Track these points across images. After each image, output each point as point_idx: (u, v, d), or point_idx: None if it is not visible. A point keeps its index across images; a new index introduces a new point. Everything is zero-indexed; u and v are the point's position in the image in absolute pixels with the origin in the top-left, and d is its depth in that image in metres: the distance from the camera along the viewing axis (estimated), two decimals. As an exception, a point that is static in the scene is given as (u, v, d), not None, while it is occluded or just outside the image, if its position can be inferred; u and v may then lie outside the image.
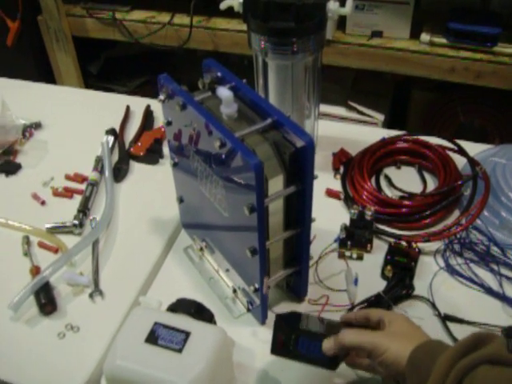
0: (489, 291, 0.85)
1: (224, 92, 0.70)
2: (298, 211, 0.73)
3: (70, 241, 0.95)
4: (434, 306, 0.83)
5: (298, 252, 0.78)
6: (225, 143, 0.66)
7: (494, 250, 0.90)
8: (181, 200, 0.91)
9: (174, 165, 0.86)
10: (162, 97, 0.77)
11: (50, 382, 0.78)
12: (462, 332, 0.79)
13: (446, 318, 0.81)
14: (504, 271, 0.88)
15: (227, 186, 0.71)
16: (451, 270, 0.88)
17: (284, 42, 0.90)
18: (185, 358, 0.68)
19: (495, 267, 0.88)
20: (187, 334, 0.70)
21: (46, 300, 0.85)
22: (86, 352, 0.80)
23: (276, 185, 0.69)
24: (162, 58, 2.22)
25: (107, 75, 2.28)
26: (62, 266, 0.90)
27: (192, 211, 0.90)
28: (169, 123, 0.81)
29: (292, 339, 0.69)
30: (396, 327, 0.66)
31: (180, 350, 0.68)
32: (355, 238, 0.90)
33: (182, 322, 0.72)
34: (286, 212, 0.74)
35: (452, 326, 0.81)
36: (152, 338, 0.70)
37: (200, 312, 0.76)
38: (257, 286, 0.76)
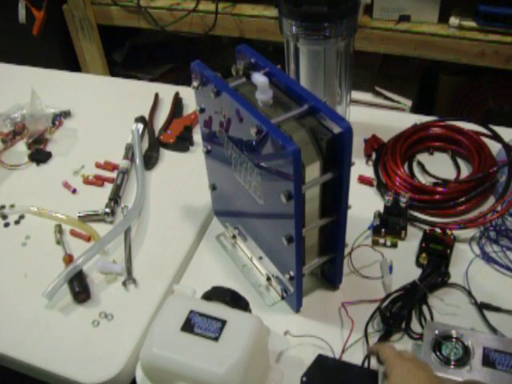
0: (526, 279, 0.84)
1: (259, 78, 0.69)
2: (335, 198, 0.72)
3: (102, 229, 0.96)
4: (470, 294, 0.82)
5: (333, 240, 0.77)
6: (261, 130, 0.65)
7: (531, 237, 0.89)
8: (213, 187, 0.90)
9: (207, 152, 0.85)
10: (195, 83, 0.76)
11: (85, 370, 0.78)
12: (498, 320, 0.79)
13: (482, 306, 0.80)
14: (542, 258, 0.86)
15: (263, 174, 0.70)
16: (487, 258, 0.87)
17: (316, 26, 0.89)
18: (221, 346, 0.68)
19: (532, 254, 0.87)
20: (223, 323, 0.69)
21: (80, 288, 0.86)
22: (120, 340, 0.81)
23: (313, 172, 0.68)
24: (186, 45, 2.22)
25: (132, 63, 2.29)
26: (95, 255, 0.90)
27: (225, 199, 0.89)
28: (202, 110, 0.80)
29: None
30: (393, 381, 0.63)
31: (216, 339, 0.68)
32: (389, 226, 0.89)
33: (217, 310, 0.72)
34: (322, 199, 0.73)
35: (488, 314, 0.80)
36: (188, 327, 0.70)
37: (235, 300, 0.76)
38: (292, 273, 0.75)
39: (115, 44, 2.26)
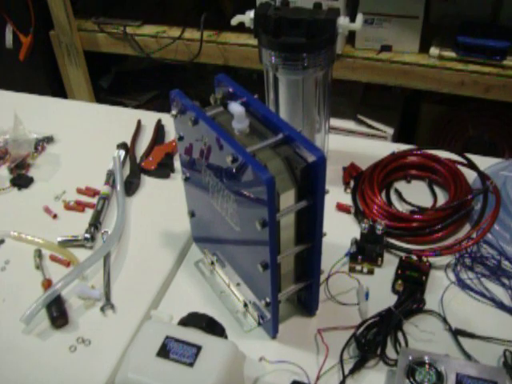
0: (500, 306, 0.85)
1: (236, 107, 0.71)
2: (309, 226, 0.73)
3: (81, 254, 0.96)
4: (445, 320, 0.83)
5: (309, 266, 0.78)
6: (237, 158, 0.67)
7: (505, 264, 0.90)
8: (192, 214, 0.91)
9: (186, 179, 0.86)
10: (174, 112, 0.78)
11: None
12: (473, 346, 0.79)
13: (457, 333, 0.81)
14: (515, 285, 0.88)
15: (239, 201, 0.71)
16: (462, 285, 0.88)
17: (295, 57, 0.91)
18: (196, 372, 0.68)
19: (506, 281, 0.88)
20: (199, 348, 0.70)
21: (58, 313, 0.86)
22: (97, 365, 0.81)
23: (287, 199, 0.69)
24: (172, 72, 2.24)
25: (118, 89, 2.31)
26: (74, 280, 0.90)
27: (203, 225, 0.90)
28: (181, 138, 0.81)
29: None
30: None
31: (191, 364, 0.68)
32: (366, 253, 0.90)
33: (193, 335, 0.72)
34: (297, 226, 0.74)
35: (463, 340, 0.80)
36: (163, 352, 0.70)
37: (211, 326, 0.76)
38: (268, 300, 0.76)
39: (101, 70, 2.28)
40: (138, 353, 0.71)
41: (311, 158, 0.67)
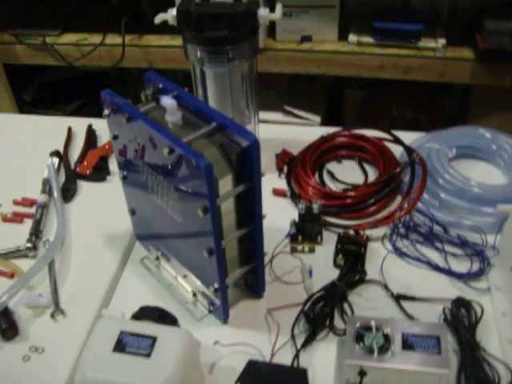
0: (436, 268, 0.90)
1: (168, 101, 0.73)
2: (249, 209, 0.76)
3: (25, 264, 0.95)
4: (386, 287, 0.87)
5: (252, 249, 0.80)
6: (173, 149, 0.68)
7: (437, 229, 0.95)
8: (133, 212, 0.92)
9: (124, 178, 0.87)
10: (106, 111, 0.79)
11: (20, 406, 0.78)
12: (415, 308, 0.84)
13: (398, 297, 0.86)
14: (448, 248, 0.93)
15: (179, 192, 0.73)
16: (399, 253, 0.93)
17: (219, 50, 0.94)
18: (154, 362, 0.69)
19: (439, 245, 0.93)
20: (154, 339, 0.71)
21: (7, 324, 0.85)
22: (52, 371, 0.80)
23: (226, 185, 0.72)
24: (96, 80, 2.22)
25: (42, 101, 2.27)
26: (20, 290, 0.89)
27: (145, 222, 0.91)
28: (115, 137, 0.82)
29: None
30: None
31: (148, 355, 0.70)
32: (305, 232, 0.93)
33: (147, 328, 0.74)
34: (237, 211, 0.77)
35: (405, 304, 0.85)
36: (120, 347, 0.71)
37: (163, 317, 0.78)
38: (216, 286, 0.78)
39: (23, 83, 2.24)
40: (94, 351, 0.72)
41: (245, 143, 0.70)
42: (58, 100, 2.29)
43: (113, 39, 1.88)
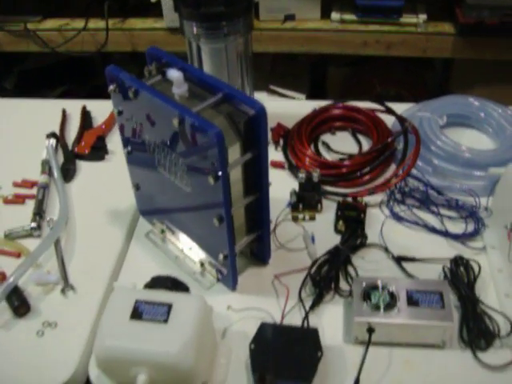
0: (433, 230, 0.94)
1: (174, 73, 0.75)
2: (256, 177, 0.78)
3: (30, 244, 0.97)
4: (386, 249, 0.91)
5: (258, 217, 0.83)
6: (183, 119, 0.70)
7: (432, 193, 0.99)
8: (137, 187, 0.94)
9: (128, 153, 0.89)
10: (111, 87, 0.80)
11: (37, 379, 0.79)
12: (415, 269, 0.88)
13: (399, 259, 0.89)
14: (443, 211, 0.96)
15: (188, 162, 0.75)
16: (397, 217, 0.96)
17: (215, 26, 0.95)
18: (171, 327, 0.72)
19: (435, 209, 0.97)
20: (169, 306, 0.73)
21: (19, 302, 0.86)
22: (68, 344, 0.82)
23: (234, 153, 0.74)
24: (78, 66, 2.21)
25: (23, 89, 2.25)
26: (28, 269, 0.91)
27: (150, 196, 0.93)
28: (120, 113, 0.84)
29: (269, 378, 0.73)
30: None
31: (165, 321, 0.72)
32: (306, 201, 0.96)
33: (161, 296, 0.76)
34: (244, 180, 0.79)
35: (406, 265, 0.88)
36: (136, 315, 0.73)
37: (176, 285, 0.81)
38: (226, 252, 0.81)
39: (4, 71, 2.22)
40: (111, 320, 0.74)
41: (252, 112, 0.72)
42: (41, 87, 2.27)
43: (96, 23, 1.87)
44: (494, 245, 0.90)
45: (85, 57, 1.96)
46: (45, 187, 1.05)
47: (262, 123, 0.72)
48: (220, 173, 0.70)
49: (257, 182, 0.79)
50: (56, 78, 2.27)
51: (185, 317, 0.73)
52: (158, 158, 0.81)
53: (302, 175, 0.95)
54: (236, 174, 0.77)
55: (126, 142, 0.88)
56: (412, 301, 0.77)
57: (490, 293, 0.85)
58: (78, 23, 1.88)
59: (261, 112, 0.71)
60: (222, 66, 1.02)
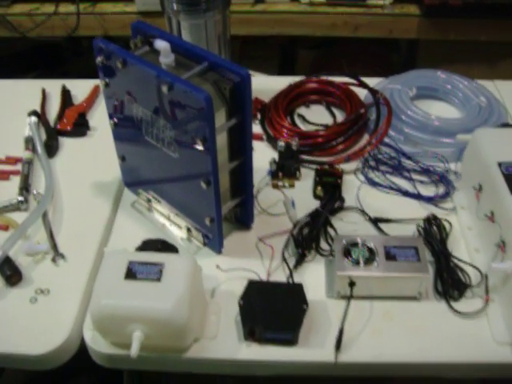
0: (406, 194, 0.99)
1: (161, 43, 0.78)
2: (240, 143, 0.82)
3: (17, 217, 0.99)
4: (363, 212, 0.96)
5: (242, 181, 0.87)
6: (172, 86, 0.74)
7: (404, 161, 1.04)
8: (123, 159, 0.97)
9: (115, 125, 0.92)
10: (99, 58, 0.83)
11: (33, 343, 0.81)
12: (391, 229, 0.93)
13: (376, 220, 0.94)
14: (415, 176, 1.02)
15: (178, 127, 0.79)
16: (371, 182, 1.01)
17: (195, 1, 0.99)
18: (164, 285, 0.75)
19: (407, 174, 1.02)
20: (162, 265, 0.77)
21: (11, 271, 0.88)
22: (61, 309, 0.85)
23: (220, 118, 0.78)
24: (47, 51, 2.21)
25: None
26: (19, 239, 0.93)
27: (135, 167, 0.96)
28: (107, 85, 0.87)
29: (259, 330, 0.78)
30: None
31: (159, 279, 0.75)
32: (285, 169, 1.01)
33: (153, 256, 0.79)
34: (229, 146, 0.83)
35: (382, 226, 0.94)
36: (131, 275, 0.76)
37: (166, 247, 0.84)
38: (213, 216, 0.85)
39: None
40: (106, 281, 0.77)
41: (237, 78, 0.76)
42: (9, 74, 2.26)
43: (66, 8, 1.88)
44: (464, 205, 0.96)
45: (54, 43, 1.96)
46: (29, 163, 1.07)
47: (247, 89, 0.76)
48: (209, 135, 0.74)
49: (241, 147, 0.83)
50: (24, 65, 2.27)
51: (177, 275, 0.76)
52: (145, 126, 0.85)
53: (281, 144, 1.00)
54: (222, 140, 0.81)
55: (111, 114, 0.91)
56: (390, 255, 0.82)
57: (460, 249, 0.90)
58: (48, 7, 1.88)
59: (246, 78, 0.75)
60: (202, 42, 1.05)
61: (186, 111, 0.75)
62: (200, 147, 0.75)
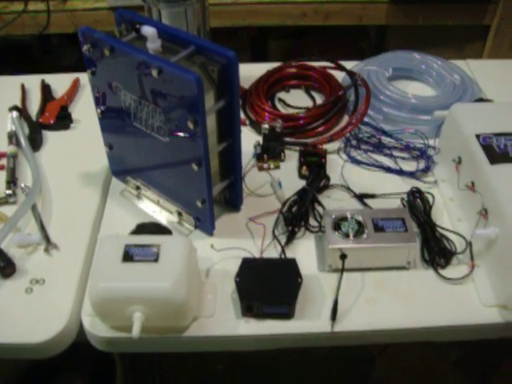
0: (388, 170, 1.02)
1: (148, 29, 0.79)
2: (228, 124, 0.84)
3: (6, 211, 0.99)
4: (349, 189, 0.98)
5: (231, 163, 0.89)
6: (162, 69, 0.75)
7: (384, 139, 1.07)
8: (110, 147, 0.98)
9: (102, 113, 0.93)
10: (85, 47, 0.84)
11: (31, 332, 0.82)
12: (377, 204, 0.96)
13: (361, 196, 0.97)
14: (396, 153, 1.05)
15: (167, 111, 0.80)
16: (354, 161, 1.04)
17: (174, -11, 1.00)
18: (162, 265, 0.76)
19: (388, 151, 1.05)
20: (158, 247, 0.78)
21: (5, 263, 0.89)
22: (58, 297, 0.86)
23: (209, 100, 0.80)
24: (16, 51, 2.19)
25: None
26: (10, 231, 0.93)
27: (123, 155, 0.97)
28: (93, 73, 0.88)
29: (256, 305, 0.80)
30: None
31: (156, 260, 0.77)
32: (270, 151, 1.03)
33: (149, 239, 0.80)
34: (218, 129, 0.85)
35: (368, 201, 0.97)
36: (128, 257, 0.77)
37: (160, 230, 0.86)
38: (204, 197, 0.86)
39: None
40: (103, 265, 0.78)
41: (224, 60, 0.78)
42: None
43: (36, 6, 1.87)
44: (444, 178, 0.99)
45: (23, 43, 1.95)
46: (14, 156, 1.08)
47: (234, 70, 0.78)
48: (199, 117, 0.76)
49: (229, 129, 0.85)
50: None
51: (174, 255, 0.78)
52: (133, 112, 0.86)
53: (265, 126, 1.02)
54: (211, 122, 0.82)
55: (98, 103, 0.92)
56: (378, 227, 0.85)
57: (444, 219, 0.94)
58: (17, 6, 1.87)
59: (233, 59, 0.77)
60: (182, 29, 1.06)
61: (176, 94, 0.77)
62: (191, 129, 0.77)
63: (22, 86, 1.26)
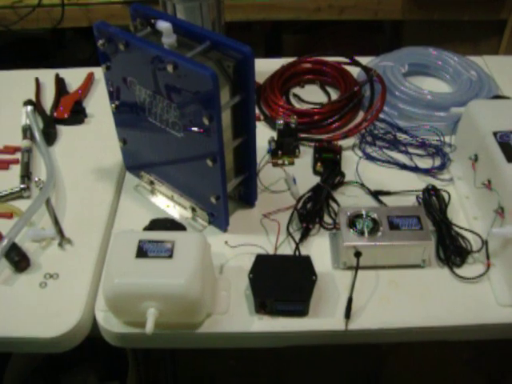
0: (404, 167, 1.01)
1: (163, 24, 0.79)
2: (243, 120, 0.84)
3: (20, 205, 0.99)
4: (363, 185, 0.98)
5: (246, 159, 0.88)
6: (177, 65, 0.75)
7: (400, 135, 1.06)
8: (124, 142, 0.98)
9: (116, 108, 0.92)
10: (100, 41, 0.84)
11: (45, 327, 0.82)
12: (391, 201, 0.95)
13: (376, 193, 0.96)
14: (411, 150, 1.04)
15: (182, 107, 0.80)
16: (369, 157, 1.03)
17: (189, -17, 1.00)
18: (176, 261, 0.76)
19: (403, 148, 1.04)
20: (172, 243, 0.78)
21: (19, 257, 0.89)
22: (71, 292, 0.86)
23: (225, 96, 0.79)
24: (31, 45, 2.20)
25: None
26: (24, 226, 0.93)
27: (137, 150, 0.97)
28: (108, 68, 0.87)
29: (270, 302, 0.79)
30: None
31: (170, 256, 0.76)
32: (284, 147, 1.02)
33: (163, 235, 0.80)
34: (233, 125, 0.84)
35: (383, 198, 0.96)
36: (142, 253, 0.77)
37: (175, 226, 0.85)
38: (218, 193, 0.86)
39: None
40: (117, 260, 0.78)
41: (240, 56, 0.77)
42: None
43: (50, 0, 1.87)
44: (460, 176, 0.99)
45: (38, 37, 1.95)
46: (28, 151, 1.08)
47: (250, 65, 0.77)
48: (214, 112, 0.75)
49: (244, 125, 0.84)
50: (6, 59, 2.25)
51: (188, 251, 0.78)
52: (148, 107, 0.86)
53: (281, 121, 1.01)
54: (226, 117, 0.82)
55: (112, 97, 0.92)
56: (393, 225, 0.84)
57: (459, 217, 0.93)
58: (32, 0, 1.87)
59: (249, 55, 0.76)
60: (197, 24, 1.06)
61: (192, 90, 0.76)
62: (206, 124, 0.76)
63: (37, 80, 1.26)
